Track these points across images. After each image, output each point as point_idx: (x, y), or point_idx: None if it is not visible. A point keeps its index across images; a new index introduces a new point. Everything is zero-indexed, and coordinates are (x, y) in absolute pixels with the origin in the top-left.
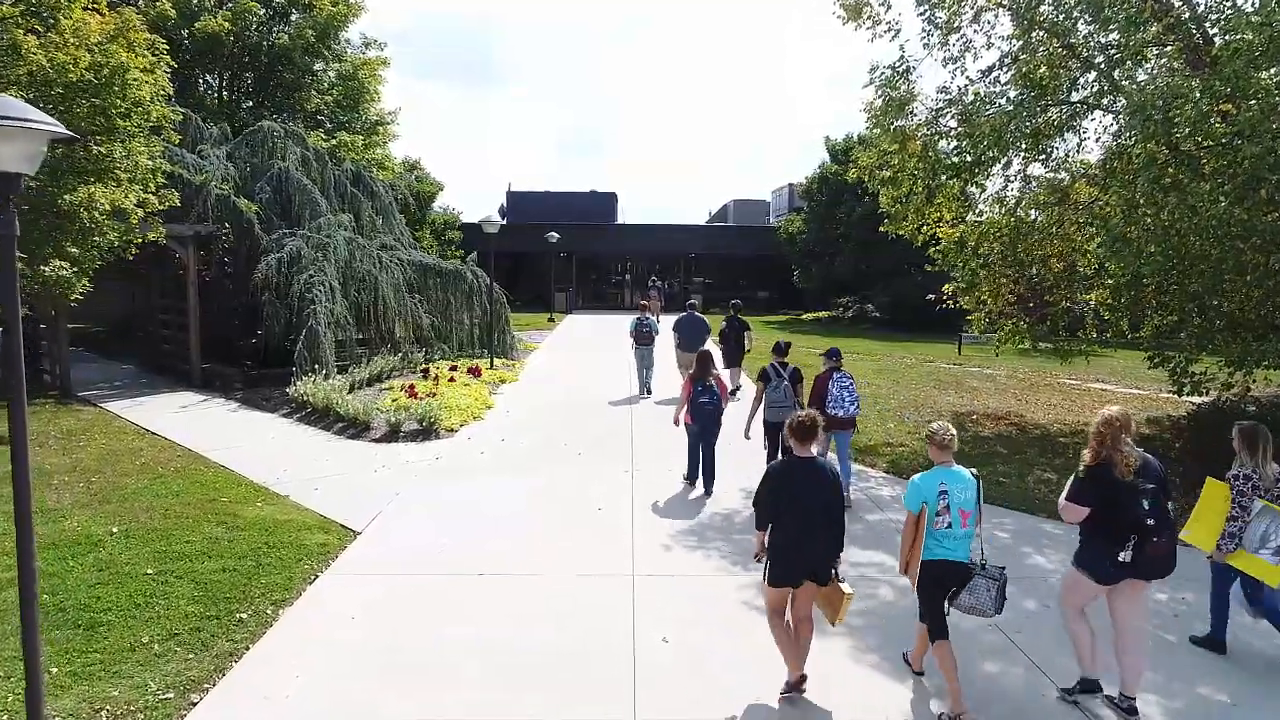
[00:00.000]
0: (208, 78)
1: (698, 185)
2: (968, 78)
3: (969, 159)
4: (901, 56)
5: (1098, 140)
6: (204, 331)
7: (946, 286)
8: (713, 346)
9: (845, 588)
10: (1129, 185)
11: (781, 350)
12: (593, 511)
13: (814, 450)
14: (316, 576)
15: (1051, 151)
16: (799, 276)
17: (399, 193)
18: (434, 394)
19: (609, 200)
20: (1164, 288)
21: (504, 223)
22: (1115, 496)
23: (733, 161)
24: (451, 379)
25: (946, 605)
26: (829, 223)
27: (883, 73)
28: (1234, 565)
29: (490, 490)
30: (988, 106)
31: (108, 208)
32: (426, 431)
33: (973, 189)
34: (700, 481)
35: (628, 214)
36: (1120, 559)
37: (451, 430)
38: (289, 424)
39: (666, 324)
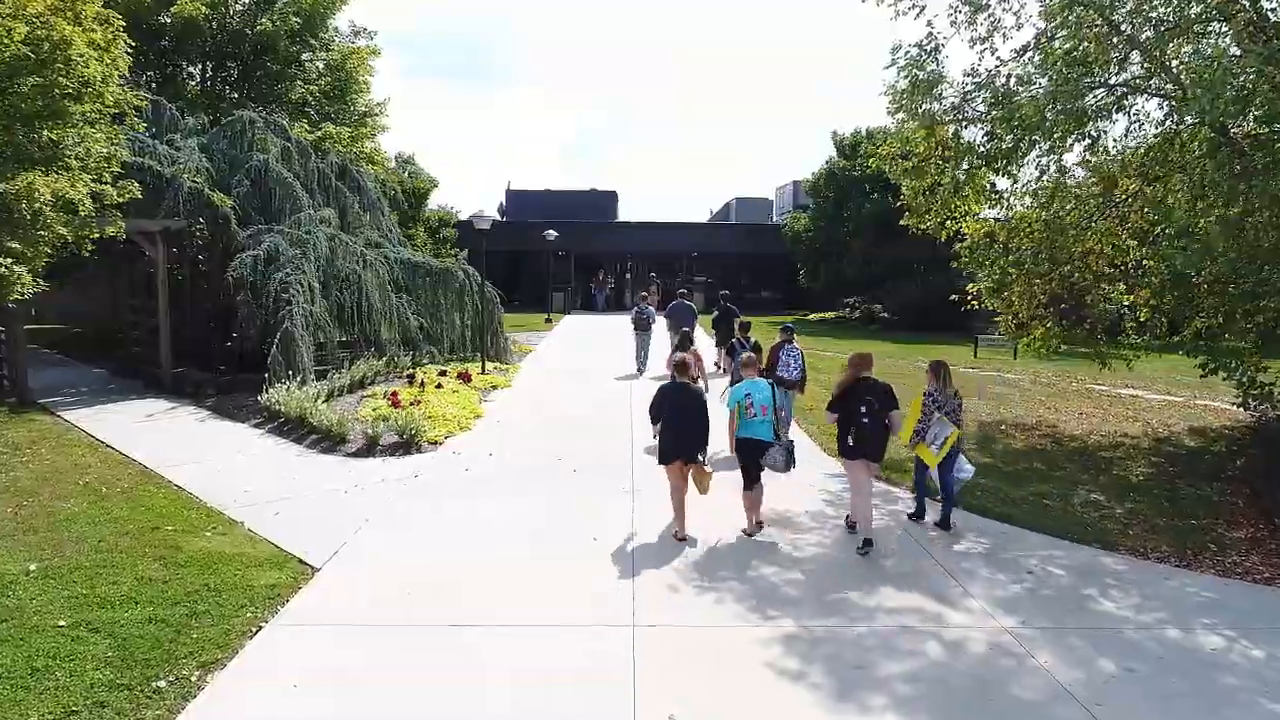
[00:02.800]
0: (189, 68)
1: (698, 185)
2: (998, 58)
3: (1005, 145)
4: (930, 34)
5: (1140, 126)
6: (177, 334)
7: (971, 286)
8: (705, 334)
9: (707, 468)
10: (1194, 172)
11: (745, 328)
12: (588, 542)
13: (688, 379)
14: (259, 629)
15: (1099, 136)
16: (805, 276)
17: (389, 188)
18: (419, 402)
19: (609, 199)
20: (1216, 287)
21: (495, 219)
22: (849, 407)
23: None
24: (439, 385)
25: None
26: (836, 220)
27: (908, 51)
28: (917, 454)
29: (472, 515)
30: (1027, 87)
31: (49, 198)
32: (407, 445)
33: (1004, 180)
34: None
35: (629, 213)
36: (850, 443)
37: (435, 443)
38: (259, 435)
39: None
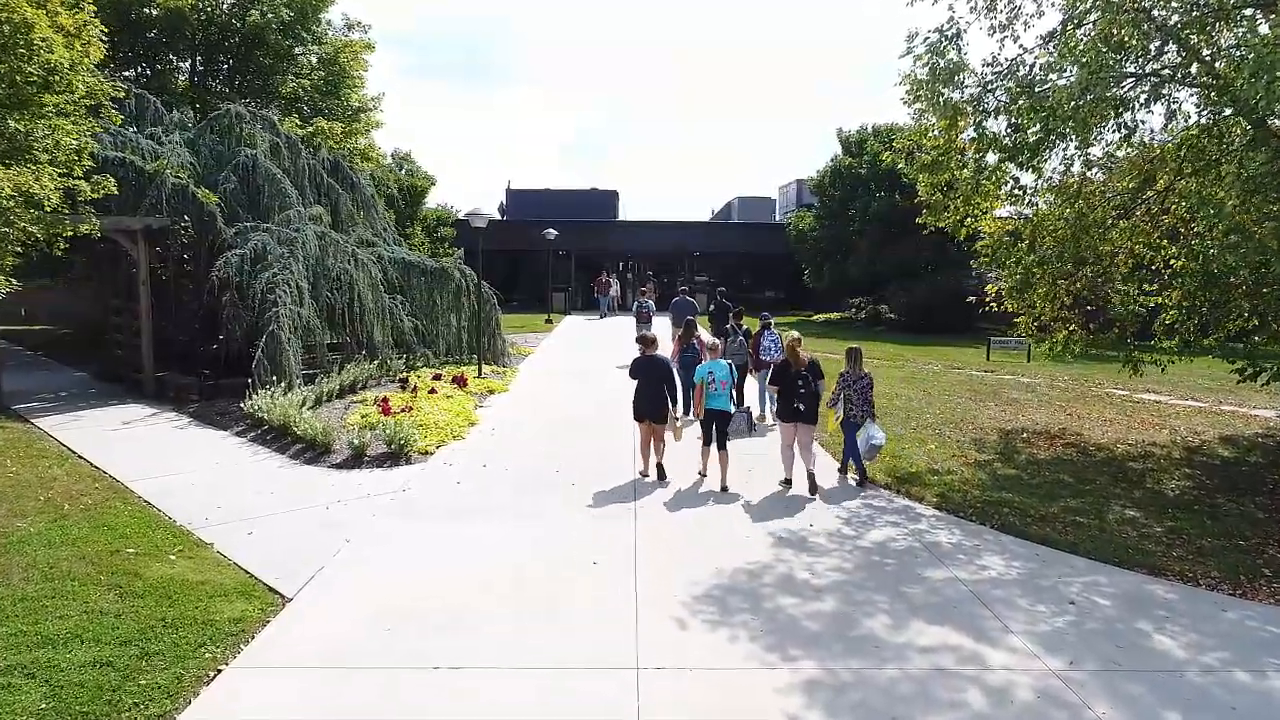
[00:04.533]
0: (179, 62)
1: (698, 184)
2: (1020, 46)
3: (1031, 137)
4: (951, 18)
5: (1173, 119)
6: (160, 336)
7: (990, 287)
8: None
9: (677, 422)
10: (1249, 166)
11: (738, 316)
12: (587, 566)
13: (653, 352)
14: (218, 672)
15: (1136, 127)
16: (809, 276)
17: (384, 185)
18: (410, 408)
19: (610, 198)
20: (1254, 288)
21: (492, 216)
22: (790, 378)
23: (735, 159)
24: (433, 390)
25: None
26: (841, 219)
27: (926, 38)
28: (830, 422)
29: (461, 536)
30: (1057, 74)
31: (12, 192)
32: (396, 455)
33: (1026, 175)
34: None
35: (630, 212)
36: (794, 408)
37: (426, 453)
38: (240, 445)
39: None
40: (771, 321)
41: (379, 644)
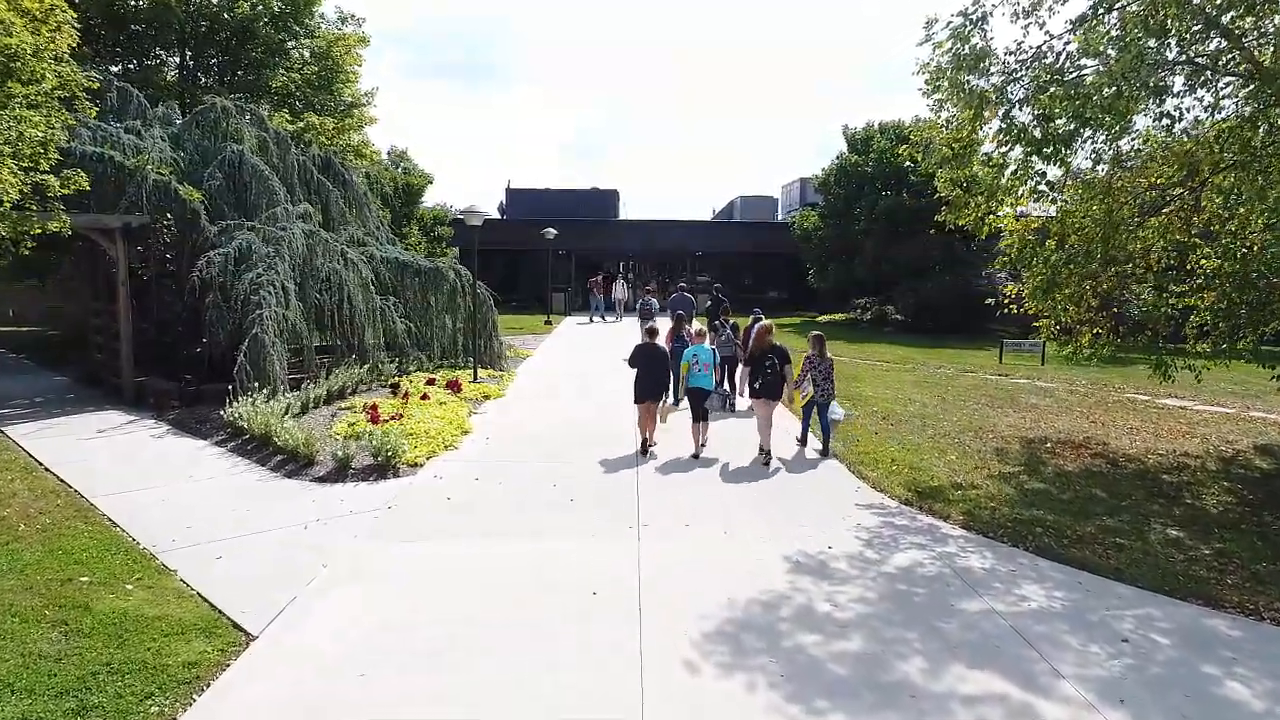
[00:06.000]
0: (166, 57)
1: (699, 184)
2: (1047, 33)
3: (1064, 127)
4: (976, 1)
5: (1210, 109)
6: (142, 339)
7: (1009, 288)
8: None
9: (669, 404)
10: None
11: (726, 311)
12: (586, 597)
13: (654, 339)
14: None
15: (1180, 115)
16: (814, 275)
17: (379, 183)
18: (401, 416)
19: (611, 197)
20: None
21: (488, 214)
22: (758, 360)
23: (735, 159)
24: (425, 396)
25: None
26: (847, 218)
27: (950, 22)
28: (795, 399)
29: (449, 561)
30: (1093, 60)
31: None
32: (383, 468)
33: (1053, 168)
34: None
35: (630, 212)
36: (756, 387)
37: (415, 465)
38: (218, 456)
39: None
40: (761, 317)
41: (350, 693)
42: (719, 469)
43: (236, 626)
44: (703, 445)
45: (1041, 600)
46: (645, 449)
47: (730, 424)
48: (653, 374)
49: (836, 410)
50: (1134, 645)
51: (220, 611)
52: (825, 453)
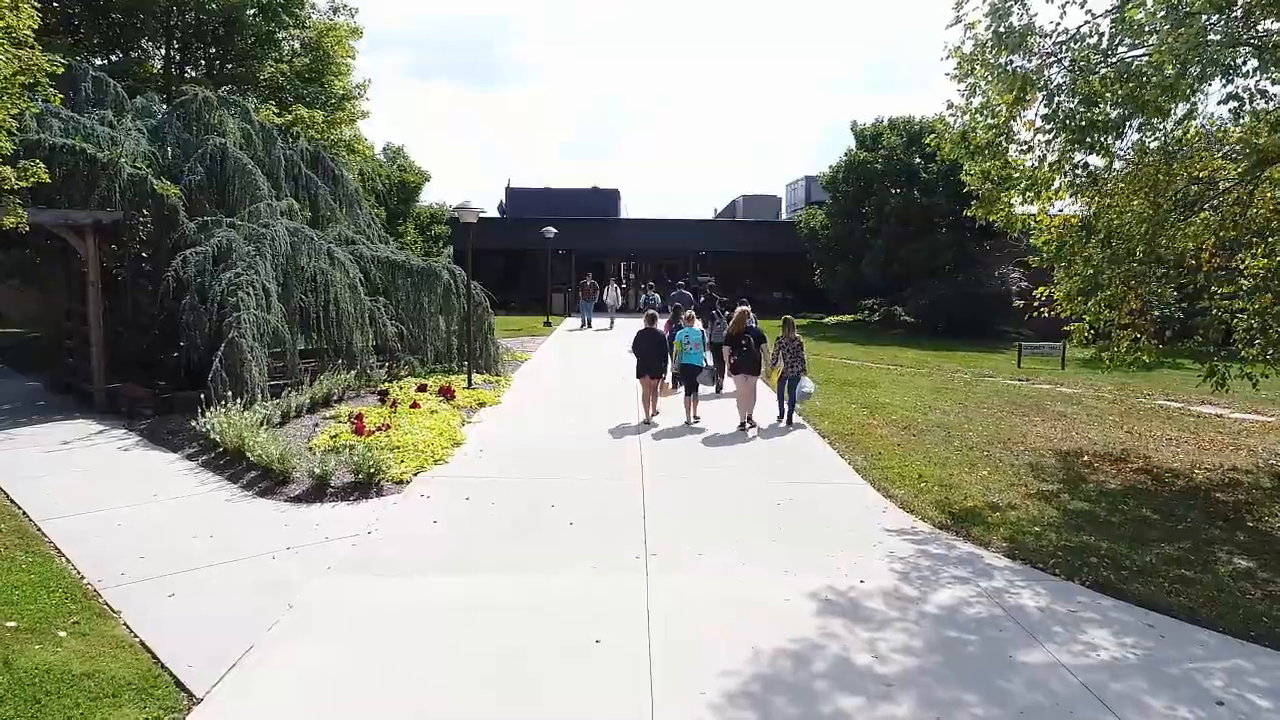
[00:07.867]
0: (152, 49)
1: (699, 184)
2: (1089, 12)
3: (1114, 111)
4: None
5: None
6: (115, 343)
7: (1040, 290)
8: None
9: (667, 380)
10: None
11: (723, 305)
12: (588, 645)
13: (654, 325)
14: None
15: (1249, 98)
16: (821, 276)
17: (372, 180)
18: (388, 426)
19: (612, 197)
20: None
21: (482, 211)
22: (735, 340)
23: (736, 159)
24: (415, 404)
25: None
26: (855, 217)
27: None
28: (772, 374)
29: (431, 598)
30: (1150, 35)
31: None
32: (365, 486)
33: (1095, 158)
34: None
35: (631, 212)
36: (733, 362)
37: (401, 482)
38: (187, 472)
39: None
40: (745, 304)
41: None
42: (719, 473)
43: (179, 685)
44: (696, 418)
45: (1113, 649)
46: (648, 421)
47: (716, 403)
48: (652, 354)
49: (806, 384)
50: (1231, 710)
51: (163, 666)
52: (789, 420)
